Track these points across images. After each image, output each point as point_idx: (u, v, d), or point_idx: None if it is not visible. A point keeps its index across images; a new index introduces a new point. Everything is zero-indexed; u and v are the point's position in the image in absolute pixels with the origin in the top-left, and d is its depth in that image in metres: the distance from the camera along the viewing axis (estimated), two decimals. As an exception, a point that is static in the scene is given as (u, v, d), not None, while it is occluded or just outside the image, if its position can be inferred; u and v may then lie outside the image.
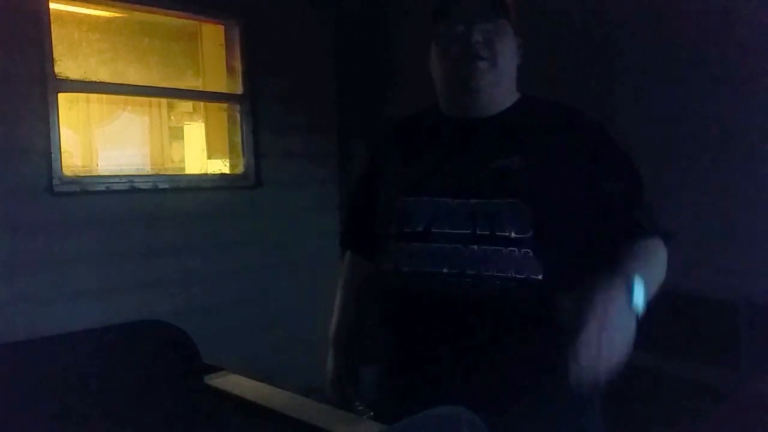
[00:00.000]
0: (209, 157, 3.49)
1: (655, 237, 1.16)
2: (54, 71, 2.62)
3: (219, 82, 3.35)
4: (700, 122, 2.25)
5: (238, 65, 3.24)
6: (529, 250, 1.10)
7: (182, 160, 4.08)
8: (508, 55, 1.19)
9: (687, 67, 2.28)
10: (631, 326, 0.94)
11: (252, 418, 1.24)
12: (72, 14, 3.22)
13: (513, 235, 1.10)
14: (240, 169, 3.27)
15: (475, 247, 1.11)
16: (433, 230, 1.15)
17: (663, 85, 2.34)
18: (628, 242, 1.11)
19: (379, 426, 1.14)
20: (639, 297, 0.96)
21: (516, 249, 1.10)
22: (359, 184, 1.42)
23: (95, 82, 3.20)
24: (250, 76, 3.24)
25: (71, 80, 2.83)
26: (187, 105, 4.01)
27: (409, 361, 1.19)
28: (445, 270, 1.12)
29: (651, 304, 1.01)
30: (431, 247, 1.14)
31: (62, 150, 2.64)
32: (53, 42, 2.60)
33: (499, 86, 1.20)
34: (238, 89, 3.25)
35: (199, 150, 3.62)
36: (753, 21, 2.13)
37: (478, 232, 1.11)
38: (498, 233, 1.10)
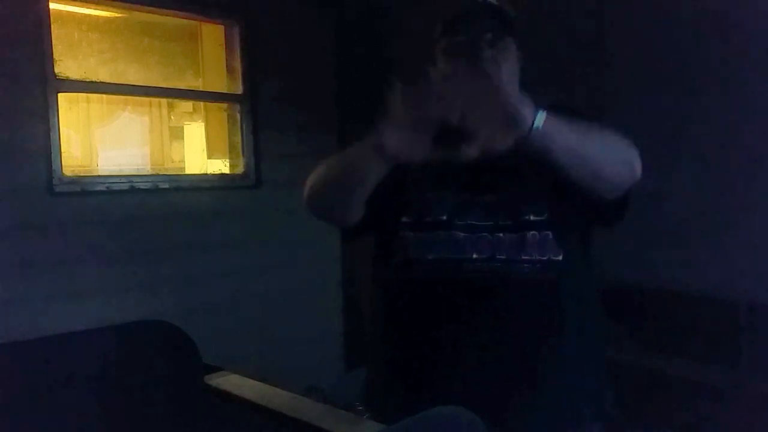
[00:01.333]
0: (209, 157, 3.49)
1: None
2: (54, 71, 2.62)
3: (219, 82, 3.35)
4: (701, 122, 2.25)
5: (238, 65, 3.24)
6: (549, 233, 1.17)
7: (182, 160, 4.08)
8: (514, 70, 1.23)
9: (688, 67, 2.28)
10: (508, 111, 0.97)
11: (252, 418, 1.24)
12: (72, 14, 3.22)
13: (532, 218, 1.17)
14: (240, 169, 3.27)
15: (501, 234, 1.18)
16: (456, 222, 1.19)
17: (662, 84, 2.34)
18: None
19: (379, 426, 1.14)
20: (539, 117, 0.98)
21: (537, 233, 1.17)
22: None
23: (95, 82, 3.20)
24: (250, 76, 3.23)
25: (71, 80, 2.83)
26: (187, 105, 4.01)
27: (439, 347, 1.20)
28: (475, 255, 1.17)
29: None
30: (457, 235, 1.19)
31: (62, 150, 2.64)
32: (53, 42, 2.60)
33: None
34: (238, 89, 3.25)
35: (199, 150, 3.62)
36: (753, 20, 2.13)
37: (500, 222, 1.18)
38: (519, 219, 1.18)
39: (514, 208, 1.18)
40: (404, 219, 1.24)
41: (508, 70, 1.21)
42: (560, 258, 1.17)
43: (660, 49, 2.34)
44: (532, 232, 1.17)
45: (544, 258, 1.17)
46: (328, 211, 1.25)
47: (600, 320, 1.30)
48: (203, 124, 3.62)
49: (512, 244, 1.17)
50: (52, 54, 2.60)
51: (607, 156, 1.08)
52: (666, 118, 2.33)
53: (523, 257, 1.16)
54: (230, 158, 3.33)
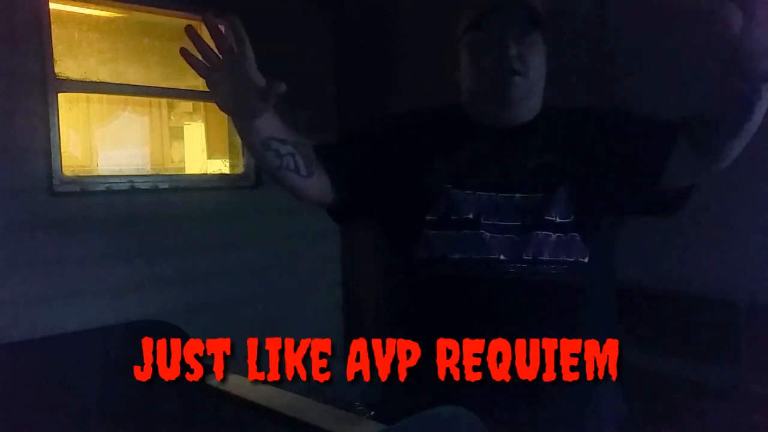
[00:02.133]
0: (209, 157, 3.49)
1: None
2: (54, 71, 2.61)
3: (219, 82, 3.34)
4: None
5: (238, 65, 3.24)
6: (576, 234, 1.16)
7: (182, 160, 4.08)
8: (539, 67, 1.23)
9: (688, 66, 2.28)
10: None
11: (252, 418, 1.25)
12: (72, 14, 3.21)
13: (558, 220, 1.16)
14: (240, 169, 3.27)
15: (527, 235, 1.17)
16: (482, 221, 1.18)
17: (662, 84, 2.34)
18: None
19: (379, 426, 1.14)
20: None
21: (563, 234, 1.16)
22: (363, 135, 1.41)
23: (95, 82, 3.19)
24: (250, 76, 3.23)
25: (71, 80, 2.83)
26: (187, 105, 4.00)
27: (460, 347, 1.19)
28: (501, 257, 1.16)
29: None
30: (484, 235, 1.17)
31: (62, 150, 2.63)
32: (53, 42, 2.60)
33: (531, 98, 1.24)
34: (238, 89, 3.25)
35: (199, 150, 3.62)
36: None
37: (527, 223, 1.17)
38: (546, 219, 1.16)
39: (540, 209, 1.17)
40: (429, 217, 1.21)
41: (537, 66, 1.20)
42: (586, 260, 1.16)
43: (660, 48, 2.34)
44: (557, 234, 1.16)
45: (571, 260, 1.16)
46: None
47: (616, 323, 1.29)
48: (203, 124, 3.62)
49: (538, 245, 1.16)
50: (52, 54, 2.59)
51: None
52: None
53: (549, 258, 1.16)
54: (230, 158, 3.32)
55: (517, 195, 1.19)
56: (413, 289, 1.27)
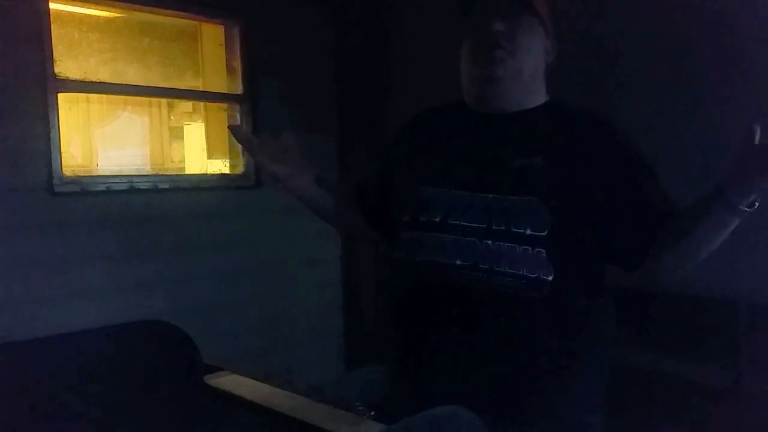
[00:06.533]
0: (209, 157, 3.49)
1: None
2: (54, 71, 2.62)
3: (219, 82, 3.35)
4: (701, 123, 2.25)
5: (238, 65, 3.24)
6: (542, 250, 1.09)
7: (182, 160, 4.09)
8: (532, 51, 1.20)
9: (689, 68, 2.28)
10: None
11: (252, 418, 1.24)
12: (72, 14, 3.22)
13: (528, 232, 1.10)
14: (240, 169, 3.27)
15: (490, 242, 1.11)
16: (449, 222, 1.15)
17: (663, 85, 2.34)
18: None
19: (379, 426, 1.14)
20: None
21: (529, 248, 1.09)
22: (378, 164, 1.46)
23: (95, 82, 3.20)
24: (250, 76, 3.23)
25: (71, 80, 2.83)
26: (187, 105, 4.01)
27: (419, 351, 1.19)
28: (458, 262, 1.12)
29: None
30: (446, 238, 1.15)
31: (62, 150, 2.64)
32: (53, 42, 2.60)
33: (520, 80, 1.20)
34: (238, 89, 3.25)
35: (199, 150, 3.62)
36: (753, 22, 2.12)
37: (493, 227, 1.12)
38: (513, 230, 1.10)
39: (512, 214, 1.11)
40: (404, 218, 1.22)
41: (526, 47, 1.18)
42: (550, 278, 1.09)
43: (661, 47, 2.34)
44: (523, 247, 1.09)
45: (533, 275, 1.09)
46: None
47: (603, 344, 1.22)
48: (203, 124, 3.62)
49: (499, 254, 1.10)
50: (52, 54, 2.59)
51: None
52: (665, 118, 2.33)
53: (508, 270, 1.09)
54: (230, 158, 3.33)
55: (491, 195, 1.13)
56: (391, 290, 1.27)
